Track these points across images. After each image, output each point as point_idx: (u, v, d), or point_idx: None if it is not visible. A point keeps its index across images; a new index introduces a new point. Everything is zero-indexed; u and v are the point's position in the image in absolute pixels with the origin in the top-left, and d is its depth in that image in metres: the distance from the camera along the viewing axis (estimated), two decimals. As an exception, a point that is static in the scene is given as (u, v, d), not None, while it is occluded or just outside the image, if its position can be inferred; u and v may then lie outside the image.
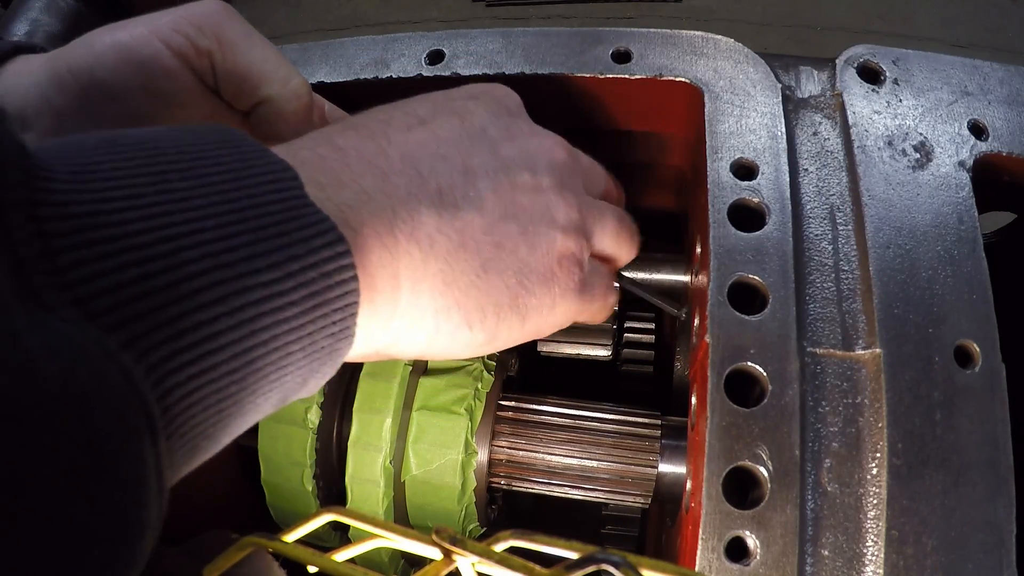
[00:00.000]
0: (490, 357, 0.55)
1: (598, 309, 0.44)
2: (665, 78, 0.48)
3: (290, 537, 0.32)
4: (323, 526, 0.34)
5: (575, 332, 0.60)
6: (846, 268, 0.43)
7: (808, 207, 0.45)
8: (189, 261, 0.24)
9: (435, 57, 0.52)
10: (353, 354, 0.33)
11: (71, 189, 0.22)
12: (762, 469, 0.36)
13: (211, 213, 0.25)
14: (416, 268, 0.34)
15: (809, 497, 0.37)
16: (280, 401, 0.30)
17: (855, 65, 0.48)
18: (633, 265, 0.59)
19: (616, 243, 0.45)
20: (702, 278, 0.44)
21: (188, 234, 0.24)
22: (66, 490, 0.19)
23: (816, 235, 0.44)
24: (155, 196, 0.24)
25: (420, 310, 0.35)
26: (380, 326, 0.34)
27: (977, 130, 0.45)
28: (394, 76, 0.52)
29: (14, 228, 0.20)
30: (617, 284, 0.48)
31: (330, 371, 0.31)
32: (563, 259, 0.40)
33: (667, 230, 0.68)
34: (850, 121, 0.46)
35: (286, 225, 0.27)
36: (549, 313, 0.40)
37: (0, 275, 0.19)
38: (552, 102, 0.53)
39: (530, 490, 0.53)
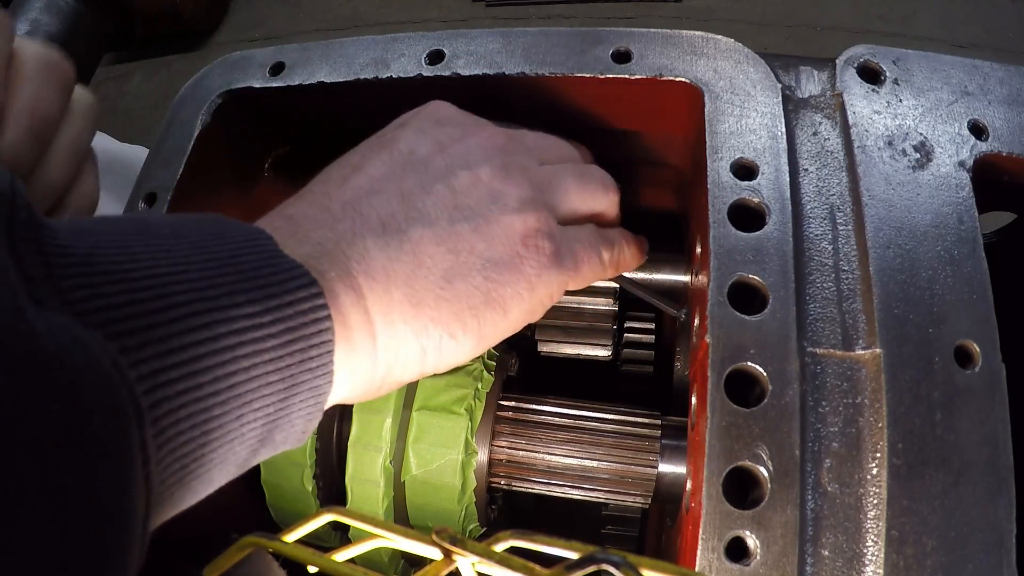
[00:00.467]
0: (490, 357, 0.55)
1: (589, 271, 0.43)
2: (665, 78, 0.48)
3: (290, 537, 0.32)
4: (323, 526, 0.34)
5: (575, 332, 0.60)
6: (846, 268, 0.43)
7: (808, 207, 0.45)
8: (175, 293, 0.27)
9: (435, 57, 0.52)
10: (351, 392, 0.36)
11: (70, 239, 0.25)
12: (762, 469, 0.36)
13: (194, 261, 0.29)
14: (382, 300, 0.36)
15: (809, 497, 0.37)
16: (269, 440, 0.32)
17: (855, 65, 0.48)
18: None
19: (583, 198, 0.45)
20: (702, 278, 0.44)
21: (174, 274, 0.27)
22: (54, 453, 0.20)
23: (816, 235, 0.44)
24: (143, 248, 0.27)
25: (400, 337, 0.36)
26: (366, 361, 0.36)
27: (977, 130, 0.45)
28: (394, 76, 0.52)
29: (24, 253, 0.23)
30: (616, 284, 0.48)
31: (315, 411, 0.33)
32: (527, 238, 0.40)
33: (667, 230, 0.68)
34: (850, 121, 0.46)
35: (262, 270, 0.30)
36: (530, 295, 0.40)
37: (12, 280, 0.22)
38: (552, 102, 0.53)
39: (530, 490, 0.53)
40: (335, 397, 0.35)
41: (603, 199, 0.46)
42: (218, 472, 0.30)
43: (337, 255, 0.35)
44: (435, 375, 0.53)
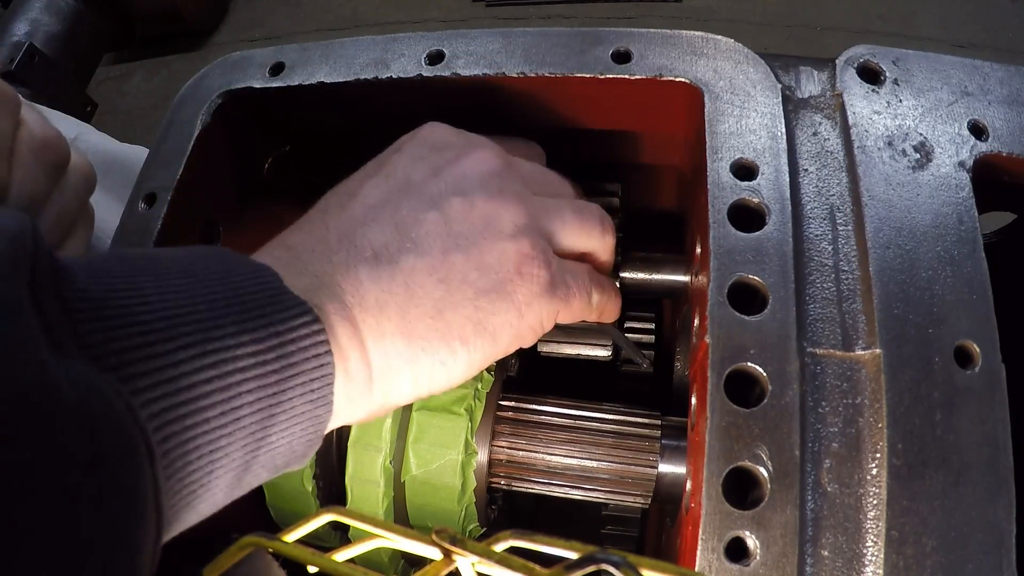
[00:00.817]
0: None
1: (579, 308, 0.44)
2: (665, 78, 0.48)
3: (290, 537, 0.32)
4: (323, 526, 0.34)
5: (575, 332, 0.60)
6: (846, 268, 0.43)
7: (808, 207, 0.45)
8: (184, 335, 0.29)
9: (435, 57, 0.52)
10: (350, 418, 0.38)
11: (87, 283, 0.27)
12: (762, 469, 0.36)
13: (202, 301, 0.30)
14: (374, 331, 0.37)
15: (809, 497, 0.37)
16: (271, 465, 0.34)
17: (855, 65, 0.48)
18: (633, 265, 0.59)
19: (580, 234, 0.45)
20: (702, 278, 0.44)
21: (183, 315, 0.29)
22: (75, 491, 0.22)
23: (816, 235, 0.44)
24: (153, 289, 0.29)
25: (392, 367, 0.37)
26: (361, 391, 0.37)
27: (977, 130, 0.45)
28: (394, 76, 0.52)
29: (44, 302, 0.25)
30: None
31: (315, 439, 0.35)
32: (521, 265, 0.40)
33: (667, 230, 0.68)
34: (850, 121, 0.46)
35: (266, 308, 0.32)
36: (519, 322, 0.40)
37: (34, 330, 0.24)
38: (552, 102, 0.53)
39: (530, 490, 0.53)
40: (335, 423, 0.37)
41: (599, 239, 0.46)
42: (223, 495, 0.32)
43: (333, 288, 0.36)
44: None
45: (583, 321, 0.46)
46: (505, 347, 0.41)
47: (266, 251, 0.38)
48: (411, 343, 0.37)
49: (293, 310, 0.33)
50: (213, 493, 0.31)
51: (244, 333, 0.30)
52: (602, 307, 0.46)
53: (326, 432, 0.36)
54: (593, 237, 0.45)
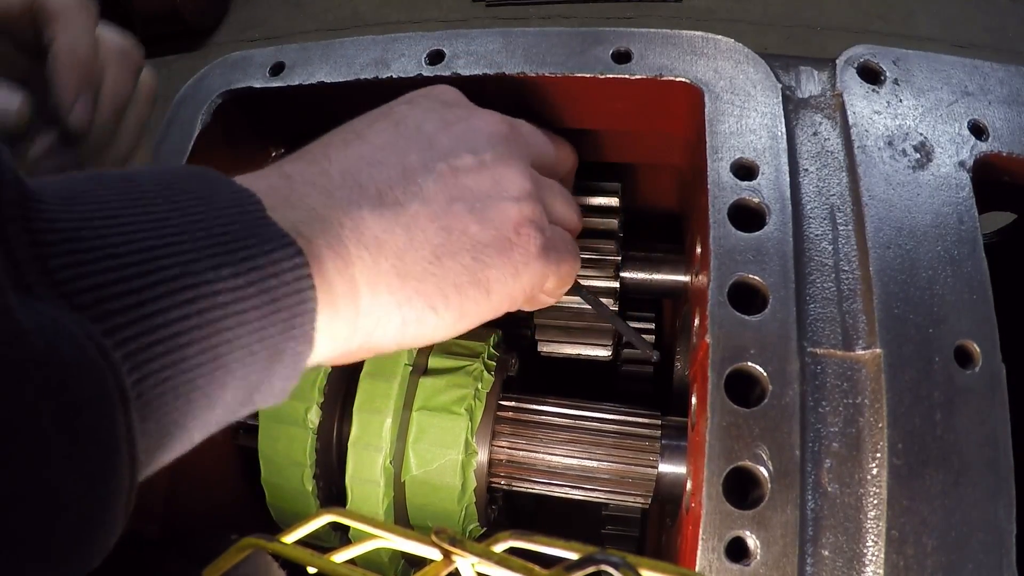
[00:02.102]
0: (490, 357, 0.55)
1: (566, 272, 0.45)
2: (665, 78, 0.48)
3: (290, 538, 0.32)
4: (323, 527, 0.34)
5: (575, 332, 0.60)
6: (846, 268, 0.43)
7: (808, 207, 0.45)
8: (162, 268, 0.27)
9: (435, 57, 0.52)
10: (329, 355, 0.36)
11: (59, 211, 0.26)
12: (762, 469, 0.36)
13: (182, 230, 0.29)
14: (369, 269, 0.36)
15: (809, 497, 0.37)
16: (248, 401, 0.32)
17: (855, 65, 0.48)
18: (633, 265, 0.59)
19: (567, 211, 0.46)
20: (702, 278, 0.44)
21: (161, 247, 0.28)
22: (45, 443, 0.22)
23: (816, 235, 0.44)
24: (131, 217, 0.28)
25: (383, 306, 0.37)
26: (346, 326, 0.36)
27: (977, 130, 0.45)
28: (394, 76, 0.52)
29: (11, 237, 0.23)
30: (615, 284, 0.48)
31: (293, 373, 0.34)
32: (520, 226, 0.40)
33: (667, 230, 0.68)
34: (850, 121, 0.46)
35: (248, 240, 0.31)
36: (514, 281, 0.40)
37: (0, 274, 0.22)
38: (552, 102, 0.53)
39: (530, 490, 0.53)
40: (314, 360, 0.36)
41: (577, 217, 0.48)
42: (199, 434, 0.31)
43: (330, 222, 0.35)
44: (435, 375, 0.53)
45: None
46: (496, 305, 0.41)
47: (262, 176, 0.36)
48: (405, 284, 0.37)
49: (275, 242, 0.31)
50: (189, 432, 0.30)
51: (225, 267, 0.29)
52: (573, 275, 0.47)
53: (305, 368, 0.35)
54: (573, 214, 0.47)
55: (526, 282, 0.41)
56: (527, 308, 0.48)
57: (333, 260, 0.35)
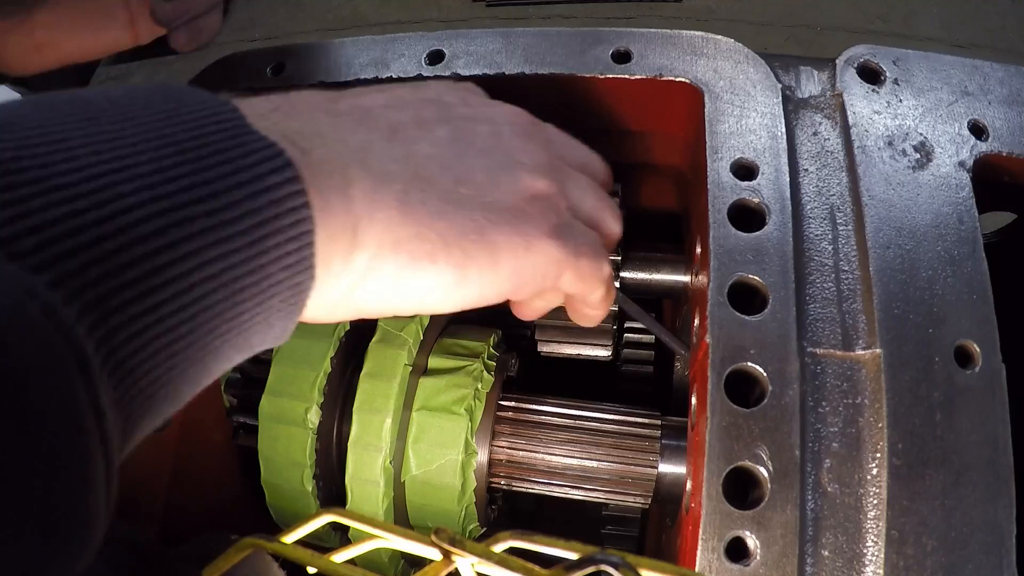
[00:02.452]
0: (490, 357, 0.55)
1: (588, 271, 0.39)
2: (665, 78, 0.48)
3: (290, 538, 0.32)
4: (323, 527, 0.34)
5: (575, 332, 0.60)
6: (846, 268, 0.43)
7: (808, 207, 0.45)
8: (122, 195, 0.22)
9: (435, 57, 0.52)
10: (320, 295, 0.31)
11: None
12: (762, 469, 0.36)
13: (144, 148, 0.24)
14: (369, 195, 0.31)
15: (809, 497, 0.37)
16: (245, 346, 0.28)
17: (855, 65, 0.48)
18: (633, 265, 0.59)
19: (597, 210, 0.41)
20: (702, 278, 0.44)
21: (120, 170, 0.23)
22: None
23: (816, 235, 0.44)
24: (82, 139, 0.23)
25: (379, 241, 0.32)
26: (341, 257, 0.31)
27: (977, 130, 0.45)
28: (394, 76, 0.52)
29: None
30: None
31: (295, 310, 0.29)
32: (533, 199, 0.36)
33: (667, 230, 0.68)
34: (850, 121, 0.46)
35: (228, 153, 0.26)
36: (525, 253, 0.35)
37: None
38: (552, 102, 0.53)
39: (530, 490, 0.53)
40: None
41: (612, 222, 0.42)
42: (188, 390, 0.26)
43: (333, 140, 0.31)
44: (435, 375, 0.53)
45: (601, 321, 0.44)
46: (502, 279, 0.35)
47: (261, 96, 0.32)
48: (405, 222, 0.32)
49: (261, 152, 0.27)
50: (177, 390, 0.25)
51: (200, 187, 0.24)
52: (611, 285, 0.42)
53: (307, 303, 0.30)
54: (605, 217, 0.42)
55: (538, 261, 0.36)
56: (559, 306, 0.43)
57: (330, 175, 0.30)
